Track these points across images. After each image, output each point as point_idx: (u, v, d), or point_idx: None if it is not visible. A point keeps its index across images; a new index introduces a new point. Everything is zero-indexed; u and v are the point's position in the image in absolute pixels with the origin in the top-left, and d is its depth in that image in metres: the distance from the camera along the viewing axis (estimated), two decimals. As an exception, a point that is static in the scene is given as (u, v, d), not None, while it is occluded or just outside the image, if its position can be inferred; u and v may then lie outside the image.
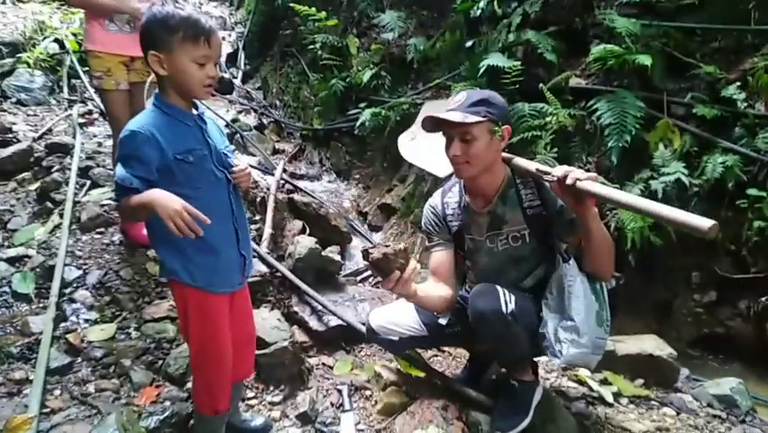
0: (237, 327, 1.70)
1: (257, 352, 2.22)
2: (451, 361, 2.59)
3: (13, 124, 4.33)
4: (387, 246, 1.59)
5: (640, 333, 2.87)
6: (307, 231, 3.70)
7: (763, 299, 2.90)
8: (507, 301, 1.73)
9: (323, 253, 2.87)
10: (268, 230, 3.20)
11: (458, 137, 1.75)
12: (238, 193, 1.63)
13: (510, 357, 1.90)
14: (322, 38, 5.67)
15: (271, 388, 2.22)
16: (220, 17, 10.27)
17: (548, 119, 3.46)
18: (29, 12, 6.48)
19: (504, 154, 1.88)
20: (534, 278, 1.91)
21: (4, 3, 6.83)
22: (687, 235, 3.17)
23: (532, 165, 1.80)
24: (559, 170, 1.61)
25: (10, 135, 4.08)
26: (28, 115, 4.71)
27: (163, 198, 1.32)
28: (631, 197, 1.49)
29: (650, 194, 3.03)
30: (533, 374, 1.99)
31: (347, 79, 5.33)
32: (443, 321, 2.00)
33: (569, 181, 1.56)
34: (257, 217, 3.40)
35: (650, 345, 2.69)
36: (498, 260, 1.91)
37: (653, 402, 2.44)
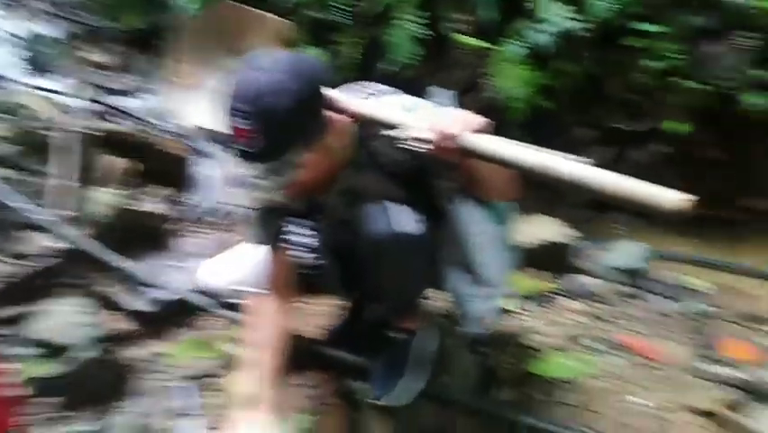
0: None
1: (52, 373, 1.65)
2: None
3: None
4: None
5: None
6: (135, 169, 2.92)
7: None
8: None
9: (135, 208, 2.17)
10: (52, 182, 2.33)
11: None
12: None
13: (403, 294, 1.43)
14: None
15: (85, 411, 1.60)
16: None
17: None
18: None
19: None
20: None
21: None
22: (579, 91, 2.79)
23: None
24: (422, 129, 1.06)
25: None
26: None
27: None
28: (549, 157, 0.96)
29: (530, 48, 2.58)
30: (416, 321, 1.53)
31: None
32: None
33: (446, 143, 1.04)
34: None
35: (548, 230, 2.36)
36: None
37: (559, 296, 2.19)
